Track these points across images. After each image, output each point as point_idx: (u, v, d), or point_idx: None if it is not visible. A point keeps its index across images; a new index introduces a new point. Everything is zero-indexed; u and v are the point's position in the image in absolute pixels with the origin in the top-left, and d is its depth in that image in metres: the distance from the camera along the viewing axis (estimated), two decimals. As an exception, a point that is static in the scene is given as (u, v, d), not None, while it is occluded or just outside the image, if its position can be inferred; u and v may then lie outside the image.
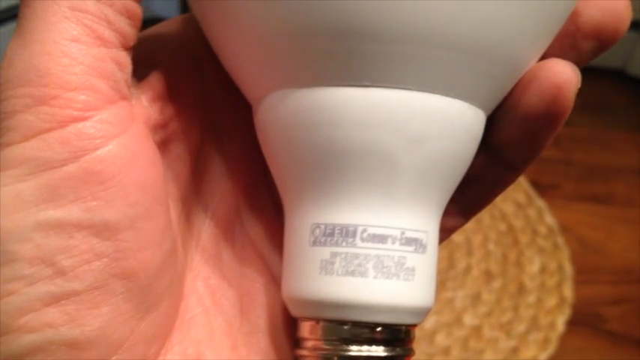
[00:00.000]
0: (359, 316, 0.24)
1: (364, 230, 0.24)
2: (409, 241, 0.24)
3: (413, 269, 0.24)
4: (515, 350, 0.93)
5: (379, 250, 0.24)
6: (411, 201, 0.24)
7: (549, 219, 1.08)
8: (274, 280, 0.28)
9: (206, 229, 0.28)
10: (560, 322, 0.96)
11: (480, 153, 0.26)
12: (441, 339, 0.93)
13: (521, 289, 0.99)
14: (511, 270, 1.01)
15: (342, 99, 0.23)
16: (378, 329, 0.24)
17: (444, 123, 0.23)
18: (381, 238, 0.24)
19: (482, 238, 1.04)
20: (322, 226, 0.24)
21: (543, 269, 1.02)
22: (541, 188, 1.11)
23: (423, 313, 0.25)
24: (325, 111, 0.23)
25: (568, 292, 0.99)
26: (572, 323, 0.96)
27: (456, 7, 0.21)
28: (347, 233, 0.24)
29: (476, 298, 0.98)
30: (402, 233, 0.24)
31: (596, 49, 0.26)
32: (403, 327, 0.25)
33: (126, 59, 0.23)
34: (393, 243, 0.24)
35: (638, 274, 1.03)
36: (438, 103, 0.23)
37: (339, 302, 0.24)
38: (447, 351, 0.92)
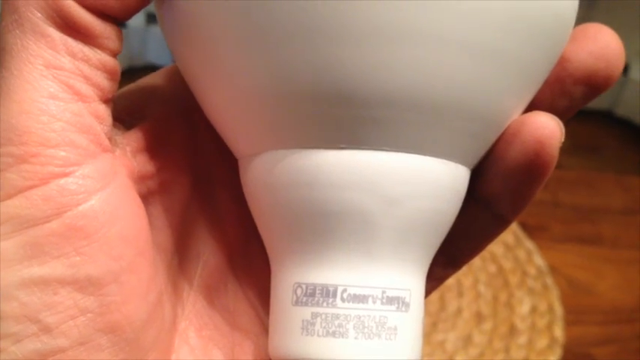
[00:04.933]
0: None
1: (344, 290, 0.24)
2: (391, 300, 0.24)
3: (395, 328, 0.24)
4: (507, 392, 0.93)
5: (360, 311, 0.24)
6: (391, 260, 0.24)
7: (538, 260, 1.08)
8: (266, 331, 0.28)
9: (197, 280, 0.28)
10: (552, 363, 0.96)
11: (467, 204, 0.26)
12: (432, 382, 0.93)
13: (512, 330, 0.99)
14: (502, 311, 1.01)
15: (319, 161, 0.23)
16: None
17: (421, 182, 0.23)
18: (362, 298, 0.24)
19: (472, 279, 1.04)
20: (304, 286, 0.24)
21: (534, 310, 1.02)
22: (529, 229, 1.11)
23: None
24: (303, 172, 0.23)
25: (559, 332, 0.99)
26: (563, 364, 0.96)
27: (426, 68, 0.21)
28: (327, 293, 0.24)
29: (467, 340, 0.97)
30: (383, 292, 0.24)
31: (587, 94, 0.26)
32: None
33: (105, 112, 0.23)
34: (374, 302, 0.24)
35: (627, 313, 1.03)
36: (416, 163, 0.23)
37: None
38: (438, 394, 0.92)
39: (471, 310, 1.01)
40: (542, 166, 0.25)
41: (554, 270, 1.07)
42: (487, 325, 0.99)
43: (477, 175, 0.26)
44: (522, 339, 0.98)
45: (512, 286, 1.04)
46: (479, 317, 1.00)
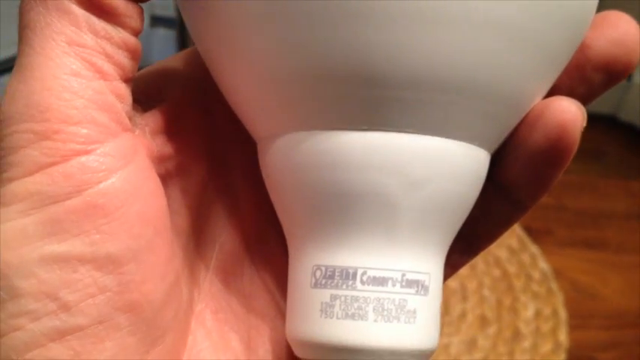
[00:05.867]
0: (360, 359, 0.24)
1: (364, 273, 0.24)
2: (410, 284, 0.24)
3: (414, 311, 0.24)
4: (510, 396, 0.93)
5: (379, 293, 0.24)
6: (412, 243, 0.24)
7: (543, 264, 1.08)
8: (282, 314, 0.28)
9: (214, 263, 0.28)
10: (556, 367, 0.96)
11: (486, 190, 0.26)
12: (436, 385, 0.92)
13: (517, 335, 0.99)
14: (506, 315, 1.01)
15: (342, 142, 0.23)
16: None
17: (444, 165, 0.23)
18: (381, 281, 0.24)
19: (476, 283, 1.04)
20: (323, 268, 0.24)
21: (538, 314, 1.01)
22: (534, 234, 1.11)
23: (426, 355, 0.25)
24: (325, 154, 0.23)
25: (563, 337, 0.99)
26: (568, 369, 0.96)
27: (453, 50, 0.21)
28: (347, 276, 0.24)
29: (471, 344, 0.97)
30: (403, 275, 0.24)
31: (606, 81, 0.26)
32: None
33: (126, 91, 0.23)
34: (394, 285, 0.24)
35: (631, 318, 1.03)
36: (439, 146, 0.23)
37: (339, 346, 0.24)
38: (442, 397, 0.92)
39: (475, 314, 1.01)
40: (564, 151, 0.25)
41: (558, 274, 1.07)
42: (491, 329, 0.99)
43: (497, 160, 0.26)
44: (526, 343, 0.98)
45: (516, 291, 1.04)
46: (483, 321, 1.00)
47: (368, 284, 0.24)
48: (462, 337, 0.98)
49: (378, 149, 0.23)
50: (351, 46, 0.21)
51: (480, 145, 0.24)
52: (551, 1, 0.22)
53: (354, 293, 0.24)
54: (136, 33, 0.23)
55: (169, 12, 1.34)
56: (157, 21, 1.33)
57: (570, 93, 0.26)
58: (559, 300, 1.03)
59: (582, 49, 0.25)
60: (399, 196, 0.23)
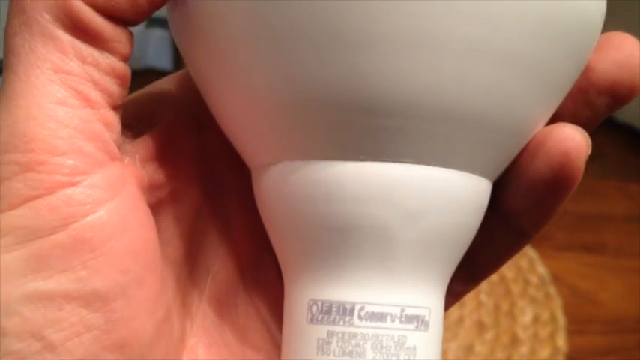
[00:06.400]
0: None
1: (362, 308, 0.23)
2: (410, 319, 0.23)
3: (414, 348, 0.23)
4: (509, 402, 0.92)
5: (378, 330, 0.23)
6: (411, 277, 0.23)
7: (541, 269, 1.08)
8: (277, 348, 0.27)
9: (207, 293, 0.27)
10: (554, 373, 0.95)
11: (488, 218, 0.25)
12: (434, 392, 0.92)
13: (514, 340, 0.98)
14: (503, 320, 1.01)
15: (338, 173, 0.22)
16: None
17: (443, 196, 0.23)
18: (380, 317, 0.23)
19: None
20: (319, 303, 0.23)
21: (536, 319, 1.01)
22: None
23: None
24: (320, 185, 0.23)
25: (561, 342, 0.98)
26: (566, 374, 0.96)
27: (453, 79, 0.21)
28: (344, 311, 0.23)
29: (469, 350, 0.97)
30: (402, 311, 0.23)
31: (611, 105, 0.26)
32: None
33: (114, 119, 0.22)
34: (393, 321, 0.23)
35: (630, 323, 1.03)
36: (438, 176, 0.23)
37: None
38: (440, 404, 0.91)
39: (472, 319, 1.00)
40: (568, 180, 0.24)
41: (556, 279, 1.06)
42: (489, 335, 0.99)
43: (498, 188, 0.25)
44: (524, 349, 0.98)
45: (514, 295, 1.04)
46: (480, 326, 1.00)
47: (366, 320, 0.23)
48: (459, 342, 0.98)
49: (374, 180, 0.22)
50: (346, 74, 0.21)
51: (481, 174, 0.24)
52: (554, 28, 0.22)
53: (352, 329, 0.23)
54: (125, 58, 0.22)
55: (165, 13, 1.34)
56: (152, 22, 1.32)
57: (574, 117, 0.25)
58: (557, 305, 1.03)
59: (586, 72, 0.25)
60: (396, 228, 0.23)
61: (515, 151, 0.24)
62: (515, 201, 0.26)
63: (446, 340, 0.97)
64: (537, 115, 0.24)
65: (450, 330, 0.99)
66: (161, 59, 1.32)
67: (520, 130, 0.24)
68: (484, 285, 1.04)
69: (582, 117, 0.26)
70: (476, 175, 0.23)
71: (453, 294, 0.28)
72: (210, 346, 0.27)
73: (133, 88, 0.24)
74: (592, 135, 0.25)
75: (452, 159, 0.23)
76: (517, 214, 0.26)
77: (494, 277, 1.06)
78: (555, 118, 0.25)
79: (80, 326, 0.21)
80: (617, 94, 0.25)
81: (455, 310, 1.01)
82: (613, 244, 1.13)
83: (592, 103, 0.26)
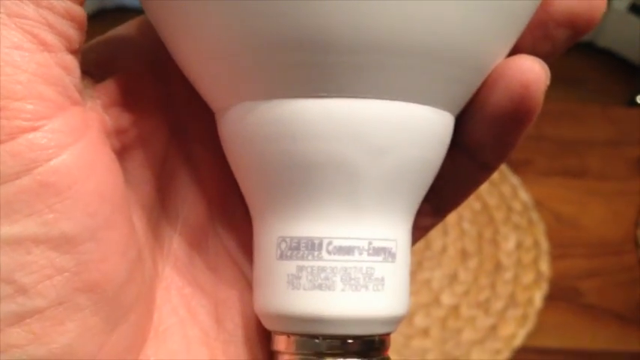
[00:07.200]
0: (329, 330, 0.24)
1: (330, 243, 0.23)
2: (377, 251, 0.24)
3: (382, 279, 0.24)
4: (493, 328, 0.93)
5: (346, 263, 0.23)
6: (377, 211, 0.24)
7: (523, 195, 1.08)
8: (249, 287, 0.27)
9: (177, 237, 0.28)
10: (538, 297, 0.96)
11: (452, 152, 0.25)
12: (419, 320, 0.93)
13: (498, 267, 0.99)
14: (487, 248, 1.01)
15: (299, 111, 0.22)
16: (350, 341, 0.24)
17: (407, 130, 0.23)
18: (348, 250, 0.23)
19: (456, 217, 1.04)
20: (288, 240, 0.24)
21: (519, 245, 1.02)
22: (514, 164, 1.11)
23: (396, 321, 0.25)
24: (283, 124, 0.23)
25: (545, 267, 0.99)
26: (550, 298, 0.96)
27: (409, 11, 0.21)
28: (312, 246, 0.23)
29: (453, 278, 0.98)
30: (370, 243, 0.24)
31: (570, 37, 0.26)
32: (376, 337, 0.25)
33: (72, 63, 0.22)
34: (360, 254, 0.23)
35: (613, 246, 1.04)
36: (400, 111, 0.23)
37: (307, 317, 0.24)
38: (425, 332, 0.92)
39: (456, 247, 1.01)
40: (528, 111, 0.25)
41: (539, 204, 1.07)
42: (472, 263, 1.00)
43: (461, 123, 0.26)
44: (508, 275, 0.98)
45: (497, 223, 1.04)
46: (464, 255, 1.00)
47: (334, 254, 0.23)
48: (443, 271, 0.98)
49: (337, 116, 0.22)
50: (303, 10, 0.21)
51: (444, 107, 0.24)
52: None
53: (321, 264, 0.23)
54: (80, 2, 0.22)
55: None
56: None
57: (533, 51, 0.25)
58: (540, 230, 1.04)
59: (544, 5, 0.25)
60: (361, 164, 0.23)
61: (476, 84, 0.25)
62: (477, 134, 0.26)
63: (429, 268, 0.98)
64: (497, 48, 0.24)
65: (433, 259, 0.99)
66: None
67: (480, 62, 0.24)
68: (467, 213, 1.05)
69: (541, 51, 0.26)
70: (439, 108, 0.23)
71: (420, 227, 0.28)
72: (184, 287, 0.27)
73: (104, 25, 0.24)
74: (573, 61, 0.25)
75: (414, 93, 0.23)
76: (479, 146, 0.27)
77: (476, 205, 1.06)
78: (515, 52, 0.25)
79: (50, 269, 0.21)
80: (576, 26, 0.25)
81: (438, 239, 1.01)
82: (595, 169, 1.13)
83: (551, 36, 0.26)
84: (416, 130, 0.23)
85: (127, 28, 0.27)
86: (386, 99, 0.22)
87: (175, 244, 0.28)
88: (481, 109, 0.25)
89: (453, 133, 0.25)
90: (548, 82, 0.24)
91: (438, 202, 0.29)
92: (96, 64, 0.25)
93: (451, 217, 1.01)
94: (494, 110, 0.25)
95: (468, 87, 0.24)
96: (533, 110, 0.24)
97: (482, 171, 0.28)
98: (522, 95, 0.24)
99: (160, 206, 0.27)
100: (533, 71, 0.24)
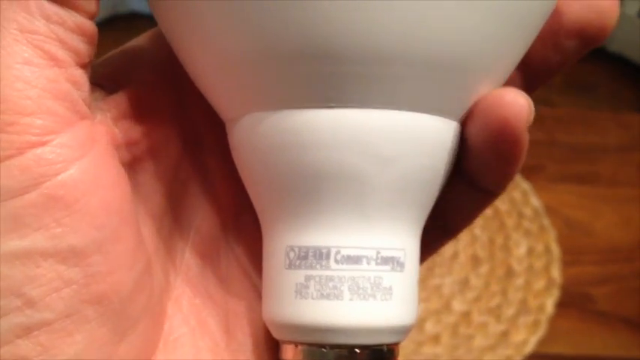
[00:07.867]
0: (337, 339, 0.24)
1: (338, 252, 0.23)
2: (385, 260, 0.24)
3: (390, 288, 0.24)
4: (505, 334, 0.93)
5: (354, 272, 0.23)
6: (385, 220, 0.24)
7: (534, 201, 1.08)
8: (259, 297, 0.27)
9: (189, 247, 0.28)
10: (550, 304, 0.96)
11: (453, 178, 0.25)
12: (430, 326, 0.93)
13: (509, 273, 0.99)
14: (498, 254, 1.01)
15: (309, 121, 0.22)
16: (358, 351, 0.24)
17: (414, 140, 0.23)
18: (356, 259, 0.23)
19: (468, 223, 1.04)
20: (296, 249, 0.24)
21: (530, 251, 1.02)
22: (525, 170, 1.11)
23: (404, 331, 0.25)
24: (293, 134, 0.23)
25: (556, 273, 0.99)
26: (561, 305, 0.96)
27: (416, 21, 0.21)
28: (320, 256, 0.23)
29: (464, 284, 0.98)
30: (378, 253, 0.24)
31: (581, 47, 0.25)
32: (385, 346, 0.24)
33: (82, 77, 0.22)
34: (369, 263, 0.23)
35: (625, 252, 1.03)
36: (406, 120, 0.23)
37: (315, 326, 0.24)
38: (436, 338, 0.92)
39: (467, 253, 1.01)
40: (510, 146, 0.24)
41: (550, 210, 1.07)
42: (484, 269, 0.99)
43: (461, 150, 0.25)
44: (519, 281, 0.98)
45: (508, 229, 1.04)
46: (475, 261, 1.00)
47: (342, 263, 0.23)
48: (454, 277, 0.98)
49: (346, 127, 0.22)
50: (310, 21, 0.21)
51: (450, 116, 0.24)
52: None
53: (329, 273, 0.23)
54: (91, 16, 0.22)
55: None
56: None
57: (543, 61, 0.26)
58: (551, 236, 1.03)
59: (555, 15, 0.25)
60: (370, 174, 0.23)
61: (484, 92, 0.24)
62: (472, 163, 0.25)
63: (441, 275, 0.98)
64: (507, 58, 0.24)
65: (444, 265, 0.99)
66: (145, 3, 1.30)
67: (489, 72, 0.24)
68: (478, 219, 1.04)
69: (552, 61, 0.26)
70: (445, 117, 0.23)
71: (430, 248, 0.28)
72: (195, 297, 0.27)
73: (117, 32, 0.24)
74: (584, 66, 0.25)
75: (422, 103, 0.23)
76: (476, 175, 0.26)
77: (488, 211, 1.05)
78: (525, 62, 0.25)
79: (58, 282, 0.21)
80: (587, 37, 0.25)
81: (449, 245, 1.01)
82: (606, 175, 1.13)
83: (561, 47, 0.25)
84: (423, 139, 0.23)
85: (140, 41, 0.28)
86: (394, 109, 0.22)
87: (187, 254, 0.28)
88: (468, 140, 0.25)
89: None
90: (532, 117, 0.23)
91: (444, 225, 0.28)
92: (108, 77, 0.25)
93: (462, 223, 1.01)
94: (477, 143, 0.24)
95: (476, 95, 0.24)
96: (515, 145, 0.24)
97: (484, 196, 0.27)
98: (500, 130, 0.23)
99: (172, 217, 0.27)
100: (514, 105, 0.23)
